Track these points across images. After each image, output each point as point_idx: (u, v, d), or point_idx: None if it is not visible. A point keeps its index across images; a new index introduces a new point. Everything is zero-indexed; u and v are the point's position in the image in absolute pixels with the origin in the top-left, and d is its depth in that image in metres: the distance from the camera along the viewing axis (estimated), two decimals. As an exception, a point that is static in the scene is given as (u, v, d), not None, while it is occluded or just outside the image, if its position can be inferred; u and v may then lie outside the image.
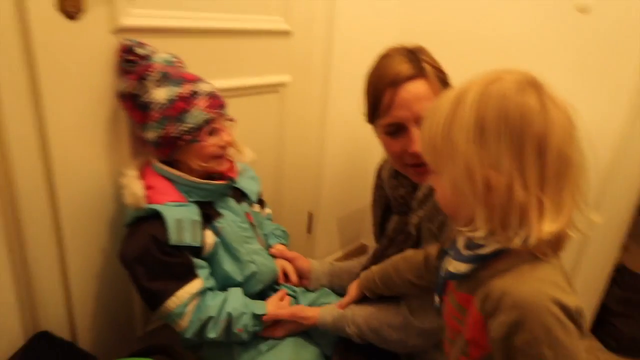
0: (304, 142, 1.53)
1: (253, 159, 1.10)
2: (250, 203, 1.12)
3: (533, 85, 0.58)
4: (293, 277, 1.16)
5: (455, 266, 0.66)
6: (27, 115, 0.83)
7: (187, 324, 0.90)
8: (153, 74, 0.87)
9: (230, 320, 0.93)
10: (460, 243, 0.68)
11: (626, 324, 1.71)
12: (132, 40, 0.90)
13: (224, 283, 1.00)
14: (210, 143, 0.92)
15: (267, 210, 1.25)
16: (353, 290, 1.04)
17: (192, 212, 0.91)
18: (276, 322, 1.02)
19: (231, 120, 0.99)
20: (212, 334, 0.92)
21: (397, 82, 0.89)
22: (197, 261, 0.93)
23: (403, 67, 0.90)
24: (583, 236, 0.60)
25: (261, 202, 1.21)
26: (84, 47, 0.86)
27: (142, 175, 0.94)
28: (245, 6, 1.16)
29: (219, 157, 0.96)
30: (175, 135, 0.88)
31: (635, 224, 1.55)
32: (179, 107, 0.87)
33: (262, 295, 1.07)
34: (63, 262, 0.97)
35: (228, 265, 0.98)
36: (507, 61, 1.50)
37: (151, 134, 0.89)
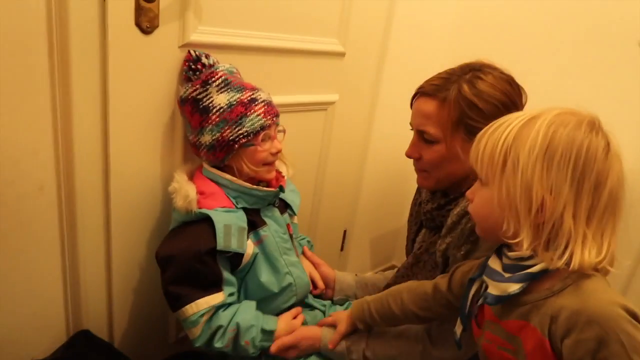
0: (345, 161, 1.54)
1: (292, 174, 1.12)
2: (292, 215, 1.13)
3: (601, 128, 0.62)
4: (320, 283, 1.15)
5: (502, 288, 0.65)
6: (94, 118, 0.86)
7: (199, 332, 0.91)
8: (216, 79, 0.91)
9: (238, 331, 0.92)
10: (497, 267, 0.68)
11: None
12: (199, 51, 0.94)
13: (260, 294, 1.00)
14: (264, 148, 0.95)
15: (295, 221, 1.24)
16: (343, 324, 0.97)
17: (240, 219, 0.93)
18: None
19: (283, 131, 1.02)
20: (219, 343, 0.91)
21: (418, 93, 0.96)
22: (228, 277, 0.93)
23: (432, 82, 0.93)
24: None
25: None
26: (154, 60, 0.90)
27: (192, 180, 0.96)
28: (303, 28, 1.18)
29: (269, 164, 0.98)
30: (231, 138, 0.91)
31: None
32: (238, 111, 0.90)
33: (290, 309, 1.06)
34: (109, 266, 1.00)
35: (265, 276, 0.98)
36: (558, 89, 1.49)
37: (207, 137, 0.92)
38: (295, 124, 1.27)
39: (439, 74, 0.95)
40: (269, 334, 0.96)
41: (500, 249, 0.69)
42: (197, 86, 0.91)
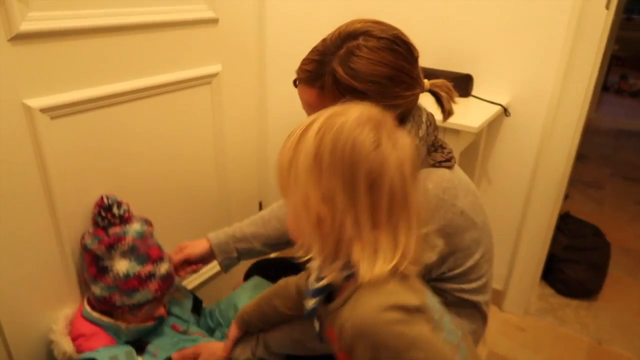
0: (244, 131, 1.48)
1: None
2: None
3: (373, 121, 0.58)
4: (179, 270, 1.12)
5: (307, 303, 0.65)
6: None
7: None
8: (123, 245, 0.95)
9: None
10: (312, 277, 0.66)
11: (572, 269, 1.82)
12: (111, 198, 0.97)
13: None
14: (147, 314, 1.01)
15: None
16: (233, 330, 0.96)
17: (125, 346, 0.97)
18: None
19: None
20: None
21: (296, 79, 0.84)
22: None
23: (305, 66, 0.81)
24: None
25: None
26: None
27: (73, 320, 0.99)
28: (162, -4, 1.08)
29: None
30: (118, 305, 0.96)
31: (574, 172, 1.62)
32: (132, 284, 0.96)
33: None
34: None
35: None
36: (443, 27, 1.50)
37: (97, 290, 0.96)
38: (179, 103, 1.19)
39: (311, 52, 0.82)
40: None
41: None
42: (103, 248, 0.95)
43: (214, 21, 1.23)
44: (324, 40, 0.81)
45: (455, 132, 1.27)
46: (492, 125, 1.53)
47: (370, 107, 0.60)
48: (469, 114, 1.35)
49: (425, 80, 0.84)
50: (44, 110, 0.88)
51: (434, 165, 0.84)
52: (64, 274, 1.01)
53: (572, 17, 1.31)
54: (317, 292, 0.62)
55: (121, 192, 1.06)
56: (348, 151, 0.55)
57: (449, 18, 1.49)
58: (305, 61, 0.82)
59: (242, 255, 1.11)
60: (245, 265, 1.20)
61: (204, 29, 1.22)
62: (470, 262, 0.85)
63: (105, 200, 0.97)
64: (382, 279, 0.56)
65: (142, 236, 0.99)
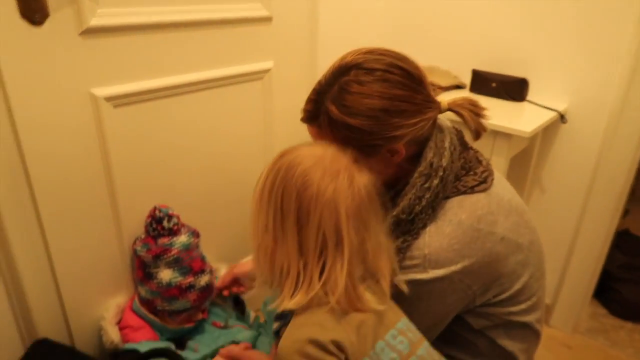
0: (293, 127, 1.49)
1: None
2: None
3: (314, 160, 0.64)
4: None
5: (273, 325, 0.70)
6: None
7: None
8: (168, 257, 1.02)
9: None
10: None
11: (628, 289, 1.71)
12: (163, 210, 1.04)
13: None
14: (186, 319, 1.08)
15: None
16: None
17: (164, 342, 1.05)
18: None
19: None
20: None
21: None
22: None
23: (305, 106, 0.82)
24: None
25: None
26: (53, 54, 0.84)
27: (124, 310, 1.08)
28: (220, -5, 1.12)
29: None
30: (159, 309, 1.04)
31: (637, 187, 1.52)
32: (172, 292, 1.03)
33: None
34: (52, 268, 0.97)
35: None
36: (498, 28, 1.46)
37: (142, 292, 1.05)
38: (231, 98, 1.24)
39: (312, 91, 0.81)
40: None
41: None
42: (150, 257, 1.02)
43: (267, 19, 1.27)
44: (320, 79, 0.80)
45: (507, 135, 1.24)
46: (547, 132, 1.47)
47: (324, 147, 0.68)
48: (522, 119, 1.31)
49: (443, 100, 0.79)
50: (108, 99, 0.94)
51: (465, 192, 0.79)
52: (120, 261, 1.08)
53: (640, 19, 1.24)
54: (278, 317, 0.67)
55: (171, 181, 1.12)
56: (280, 190, 0.63)
57: (504, 18, 1.45)
58: (306, 100, 0.82)
59: None
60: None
61: (258, 26, 1.25)
62: (517, 285, 0.81)
63: (157, 212, 1.04)
64: (316, 309, 0.61)
65: (188, 248, 1.05)
